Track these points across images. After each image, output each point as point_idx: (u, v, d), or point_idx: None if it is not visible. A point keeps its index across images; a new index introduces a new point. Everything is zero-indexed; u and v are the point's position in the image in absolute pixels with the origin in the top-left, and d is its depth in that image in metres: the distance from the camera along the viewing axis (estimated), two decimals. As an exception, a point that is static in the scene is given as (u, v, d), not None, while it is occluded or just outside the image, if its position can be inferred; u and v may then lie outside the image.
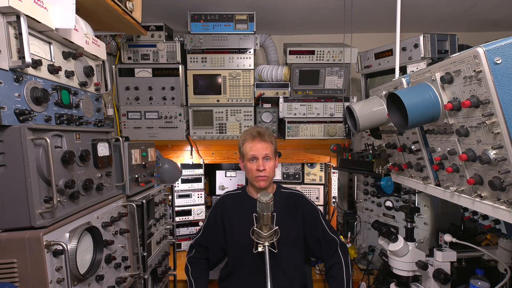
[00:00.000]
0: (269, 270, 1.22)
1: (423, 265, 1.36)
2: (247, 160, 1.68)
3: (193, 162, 2.45)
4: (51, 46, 1.07)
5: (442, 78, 0.98)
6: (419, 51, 1.95)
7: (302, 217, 1.71)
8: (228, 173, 2.67)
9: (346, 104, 2.21)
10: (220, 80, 2.40)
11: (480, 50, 0.81)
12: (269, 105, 2.49)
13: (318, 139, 2.46)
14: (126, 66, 2.35)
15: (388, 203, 2.07)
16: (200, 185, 2.53)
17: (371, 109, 1.40)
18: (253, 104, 2.46)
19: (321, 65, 2.39)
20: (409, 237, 1.46)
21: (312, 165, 2.58)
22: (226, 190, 2.60)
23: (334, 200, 2.46)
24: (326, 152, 2.43)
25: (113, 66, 2.30)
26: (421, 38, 1.93)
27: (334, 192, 2.46)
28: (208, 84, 2.41)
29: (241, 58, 2.39)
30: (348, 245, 2.06)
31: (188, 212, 2.49)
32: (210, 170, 2.71)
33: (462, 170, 1.03)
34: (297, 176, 2.62)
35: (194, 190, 2.51)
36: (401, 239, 1.41)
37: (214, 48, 2.36)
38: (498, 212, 0.92)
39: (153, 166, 1.75)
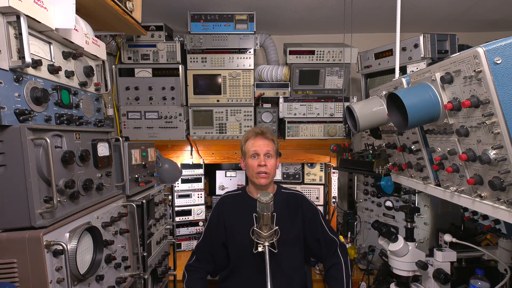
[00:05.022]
0: (269, 270, 1.22)
1: (423, 265, 1.36)
2: (248, 157, 1.68)
3: (193, 162, 2.45)
4: (51, 46, 1.07)
5: (442, 78, 0.98)
6: (419, 51, 1.95)
7: (302, 217, 1.71)
8: (228, 173, 2.67)
9: (346, 104, 2.21)
10: (220, 80, 2.40)
11: (480, 50, 0.81)
12: (269, 105, 2.49)
13: (318, 139, 2.46)
14: (126, 66, 2.35)
15: (388, 203, 2.07)
16: (200, 185, 2.53)
17: (371, 109, 1.39)
18: (253, 104, 2.46)
19: (321, 65, 2.39)
20: (409, 237, 1.47)
21: (312, 165, 2.58)
22: (226, 190, 2.60)
23: (334, 200, 2.46)
24: (326, 152, 2.43)
25: (113, 66, 2.30)
26: (421, 38, 1.93)
27: (334, 192, 2.46)
28: (208, 84, 2.41)
29: (241, 58, 2.39)
30: (348, 245, 2.06)
31: (188, 212, 2.49)
32: (210, 170, 2.71)
33: (462, 170, 1.03)
34: (297, 176, 2.62)
35: (194, 190, 2.51)
36: (401, 239, 1.41)
37: (214, 48, 2.36)
38: (498, 212, 0.92)
39: (153, 166, 1.75)
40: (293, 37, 2.90)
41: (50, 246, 0.90)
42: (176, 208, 2.44)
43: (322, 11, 2.36)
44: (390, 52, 2.15)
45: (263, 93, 2.46)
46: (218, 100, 2.43)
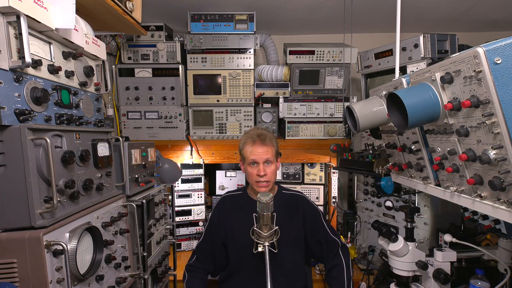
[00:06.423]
0: (269, 270, 1.22)
1: (423, 265, 1.36)
2: (247, 164, 1.66)
3: (193, 162, 2.45)
4: (51, 46, 1.07)
5: (442, 78, 0.98)
6: (419, 51, 1.95)
7: (303, 218, 1.70)
8: (228, 173, 2.67)
9: (346, 104, 2.21)
10: (220, 80, 2.40)
11: (480, 50, 0.81)
12: (269, 105, 2.49)
13: (318, 139, 2.46)
14: (126, 66, 2.35)
15: (388, 203, 2.07)
16: (200, 185, 2.53)
17: (371, 109, 1.39)
18: (253, 104, 2.46)
19: (321, 65, 2.39)
20: (409, 237, 1.47)
21: (312, 165, 2.58)
22: (226, 190, 2.60)
23: (334, 200, 2.46)
24: (326, 152, 2.43)
25: (113, 66, 2.30)
26: (421, 38, 1.93)
27: (334, 192, 2.46)
28: (208, 84, 2.41)
29: (241, 58, 2.39)
30: (348, 245, 2.05)
31: (188, 212, 2.49)
32: (210, 170, 2.71)
33: (462, 170, 1.03)
34: (297, 176, 2.62)
35: (194, 190, 2.51)
36: (401, 239, 1.41)
37: (214, 48, 2.36)
38: (498, 212, 0.92)
39: (153, 166, 1.75)
40: (293, 37, 2.90)
41: (50, 246, 0.91)
42: (176, 208, 2.44)
43: (322, 11, 2.36)
44: (390, 52, 2.15)
45: (263, 93, 2.46)
46: (218, 100, 2.43)
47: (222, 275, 1.77)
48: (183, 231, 2.49)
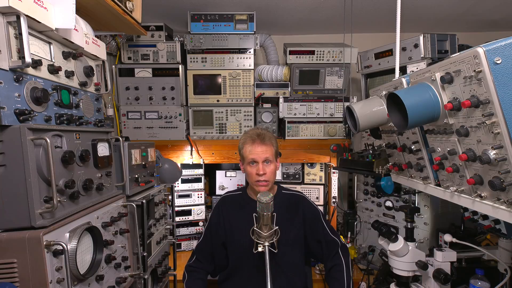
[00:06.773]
0: (269, 270, 1.21)
1: (423, 265, 1.36)
2: (247, 164, 1.66)
3: (193, 162, 2.45)
4: (51, 46, 1.07)
5: (442, 78, 0.98)
6: (419, 51, 1.95)
7: (302, 218, 1.70)
8: (228, 173, 2.67)
9: (346, 104, 2.21)
10: (220, 80, 2.40)
11: (480, 50, 0.82)
12: (269, 105, 2.49)
13: (318, 139, 2.46)
14: (126, 66, 2.35)
15: (388, 203, 2.07)
16: (200, 185, 2.53)
17: (371, 109, 1.40)
18: (253, 104, 2.46)
19: (321, 65, 2.39)
20: (409, 237, 1.47)
21: (312, 165, 2.58)
22: (226, 190, 2.60)
23: (334, 200, 2.46)
24: (326, 152, 2.43)
25: (113, 66, 2.30)
26: (421, 38, 1.93)
27: (334, 192, 2.46)
28: (208, 84, 2.41)
29: (241, 58, 2.39)
30: (348, 245, 2.05)
31: (188, 212, 2.49)
32: (210, 170, 2.71)
33: (462, 170, 1.03)
34: (297, 176, 2.62)
35: (194, 190, 2.51)
36: (401, 239, 1.41)
37: (214, 48, 2.36)
38: (498, 212, 0.92)
39: (153, 166, 1.75)
40: (293, 37, 2.90)
41: (50, 246, 0.90)
42: (176, 208, 2.44)
43: (322, 11, 2.36)
44: (390, 52, 2.15)
45: (263, 93, 2.46)
46: (218, 100, 2.43)
47: (222, 275, 1.77)
48: (183, 231, 2.49)
